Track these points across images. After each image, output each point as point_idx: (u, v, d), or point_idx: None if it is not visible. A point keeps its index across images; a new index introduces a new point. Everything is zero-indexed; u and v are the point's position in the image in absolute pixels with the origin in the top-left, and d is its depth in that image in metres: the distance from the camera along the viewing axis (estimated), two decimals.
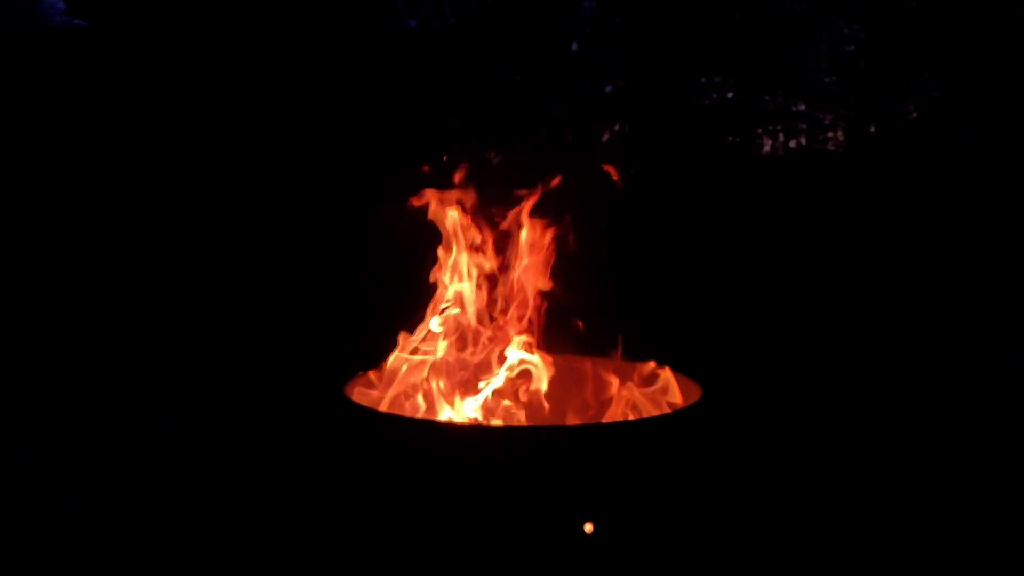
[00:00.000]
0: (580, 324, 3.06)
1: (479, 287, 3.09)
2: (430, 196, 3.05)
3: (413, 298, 3.02)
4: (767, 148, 9.98)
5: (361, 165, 5.01)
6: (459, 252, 3.01)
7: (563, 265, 3.01)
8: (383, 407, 2.87)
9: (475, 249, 3.05)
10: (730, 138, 9.63)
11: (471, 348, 3.03)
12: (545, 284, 3.02)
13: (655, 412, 2.85)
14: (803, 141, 9.87)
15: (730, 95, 9.68)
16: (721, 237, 5.12)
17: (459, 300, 3.03)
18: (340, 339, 3.84)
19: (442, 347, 2.97)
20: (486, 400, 2.92)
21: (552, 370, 2.94)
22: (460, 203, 3.05)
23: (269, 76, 5.16)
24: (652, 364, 2.96)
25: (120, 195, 4.72)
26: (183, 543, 2.63)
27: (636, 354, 3.01)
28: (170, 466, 3.11)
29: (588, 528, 2.48)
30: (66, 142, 4.83)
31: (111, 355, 4.04)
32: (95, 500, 2.86)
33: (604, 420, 2.93)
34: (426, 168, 3.15)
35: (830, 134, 9.78)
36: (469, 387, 2.99)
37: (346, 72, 5.55)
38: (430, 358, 2.97)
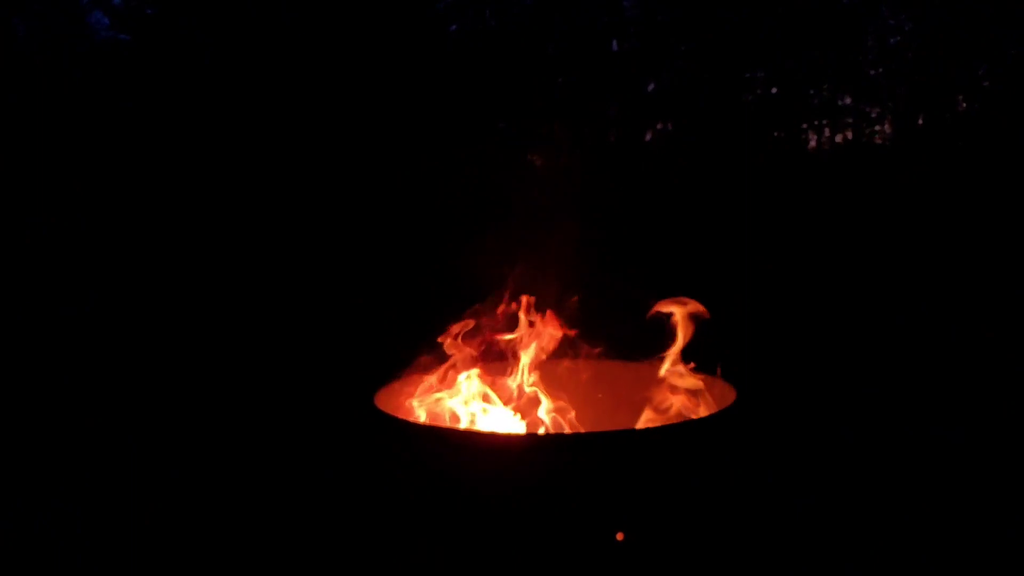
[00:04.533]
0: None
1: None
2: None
3: (427, 305, 2.94)
4: (813, 143, 9.82)
5: (383, 168, 4.96)
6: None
7: (597, 265, 2.92)
8: (414, 418, 2.80)
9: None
10: (775, 133, 9.48)
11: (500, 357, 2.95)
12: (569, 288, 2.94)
13: (691, 416, 2.75)
14: (849, 135, 9.69)
15: (774, 90, 9.52)
16: (763, 235, 4.99)
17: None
18: (357, 346, 3.79)
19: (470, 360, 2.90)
20: (514, 409, 2.84)
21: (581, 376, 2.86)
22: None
23: (305, 81, 5.14)
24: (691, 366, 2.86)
25: (121, 196, 4.72)
26: (192, 545, 2.59)
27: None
28: (175, 468, 3.09)
29: (619, 537, 2.40)
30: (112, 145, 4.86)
31: (117, 361, 4.05)
32: (99, 502, 2.85)
33: (636, 426, 2.83)
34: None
35: (877, 127, 9.59)
36: (498, 395, 2.91)
37: (384, 74, 5.51)
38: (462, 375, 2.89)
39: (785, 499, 2.70)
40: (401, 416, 2.75)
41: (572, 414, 2.84)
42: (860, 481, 2.76)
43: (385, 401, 2.82)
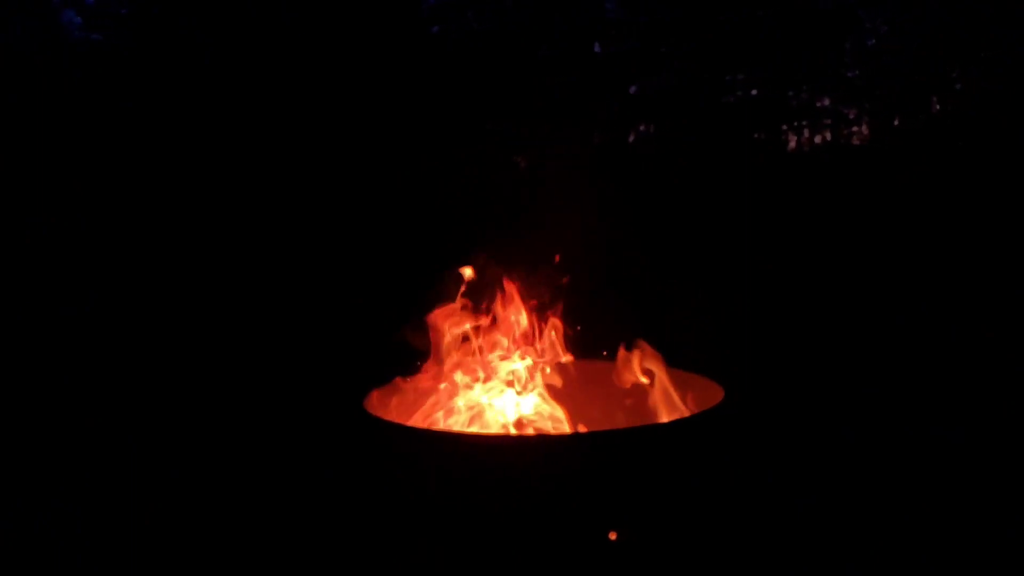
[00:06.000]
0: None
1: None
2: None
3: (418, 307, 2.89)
4: (792, 144, 9.82)
5: (375, 168, 4.89)
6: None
7: (584, 267, 2.86)
8: (402, 420, 2.74)
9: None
10: (756, 135, 9.46)
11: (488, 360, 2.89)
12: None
13: (676, 415, 2.70)
14: (828, 136, 9.70)
15: (754, 92, 9.51)
16: (746, 235, 4.94)
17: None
18: (356, 347, 3.74)
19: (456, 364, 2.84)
20: (506, 409, 2.79)
21: (565, 378, 2.80)
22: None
23: (287, 80, 5.05)
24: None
25: (120, 197, 4.65)
26: (192, 545, 2.55)
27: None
28: (175, 468, 3.04)
29: (612, 536, 2.36)
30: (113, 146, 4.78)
31: (117, 361, 4.00)
32: (99, 502, 2.81)
33: (623, 425, 2.78)
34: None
35: (855, 128, 9.61)
36: (488, 398, 2.85)
37: (359, 75, 5.44)
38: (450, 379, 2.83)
39: (785, 499, 2.66)
40: (395, 417, 2.70)
41: (562, 414, 2.79)
42: (860, 481, 2.73)
43: (379, 403, 2.76)
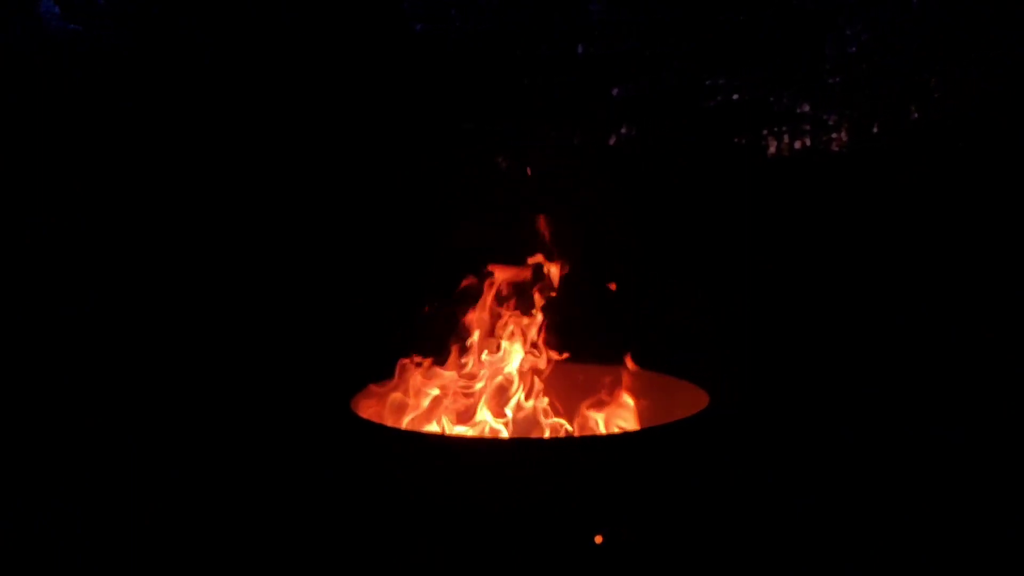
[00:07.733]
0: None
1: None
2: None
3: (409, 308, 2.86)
4: (772, 149, 9.80)
5: (364, 167, 4.85)
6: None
7: (569, 271, 2.83)
8: (393, 422, 2.69)
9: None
10: (736, 139, 9.43)
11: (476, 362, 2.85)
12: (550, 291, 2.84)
13: (661, 420, 2.66)
14: (808, 142, 9.69)
15: (735, 97, 9.48)
16: (727, 239, 4.93)
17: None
18: (338, 349, 3.73)
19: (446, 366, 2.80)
20: (488, 412, 2.76)
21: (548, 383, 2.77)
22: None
23: (266, 76, 4.99)
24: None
25: (120, 197, 4.61)
26: (192, 545, 2.53)
27: (641, 360, 2.81)
28: (175, 468, 3.02)
29: (597, 540, 2.34)
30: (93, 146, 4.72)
31: (117, 361, 3.98)
32: (99, 502, 2.78)
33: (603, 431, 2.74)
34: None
35: (834, 135, 9.61)
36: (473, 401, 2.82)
37: (349, 74, 5.39)
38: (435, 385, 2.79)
39: (784, 499, 2.64)
40: (386, 419, 2.65)
41: (555, 417, 2.75)
42: (860, 481, 2.70)
43: (369, 405, 2.72)
